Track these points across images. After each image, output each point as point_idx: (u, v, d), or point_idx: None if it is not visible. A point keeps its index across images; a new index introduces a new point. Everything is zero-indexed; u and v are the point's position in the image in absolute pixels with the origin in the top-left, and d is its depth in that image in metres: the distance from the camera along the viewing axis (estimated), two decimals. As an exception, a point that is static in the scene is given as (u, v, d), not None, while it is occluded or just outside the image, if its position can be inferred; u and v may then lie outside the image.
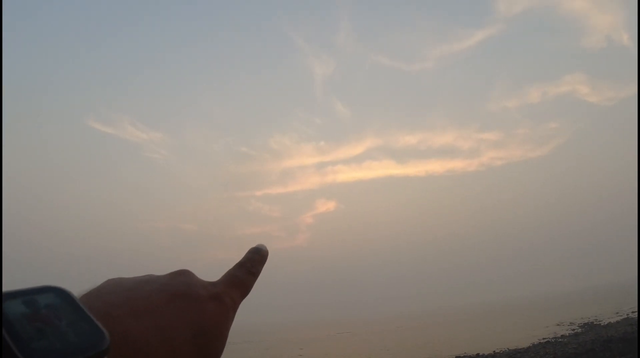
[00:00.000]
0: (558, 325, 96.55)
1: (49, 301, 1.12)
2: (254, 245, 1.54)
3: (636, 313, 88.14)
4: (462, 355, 62.23)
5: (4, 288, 1.06)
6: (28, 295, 1.11)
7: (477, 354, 61.49)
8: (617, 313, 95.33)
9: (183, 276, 1.32)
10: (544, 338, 71.60)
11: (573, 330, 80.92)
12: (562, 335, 73.07)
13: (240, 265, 1.48)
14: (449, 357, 61.08)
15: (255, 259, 1.50)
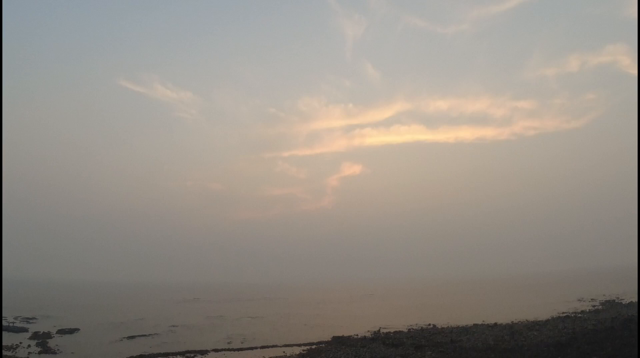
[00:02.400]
0: (579, 300, 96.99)
1: None
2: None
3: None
4: (480, 323, 63.96)
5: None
6: None
7: (495, 323, 63.04)
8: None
9: None
10: (563, 313, 72.46)
11: (594, 306, 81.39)
12: (582, 311, 73.73)
13: None
14: (468, 325, 62.84)
15: None
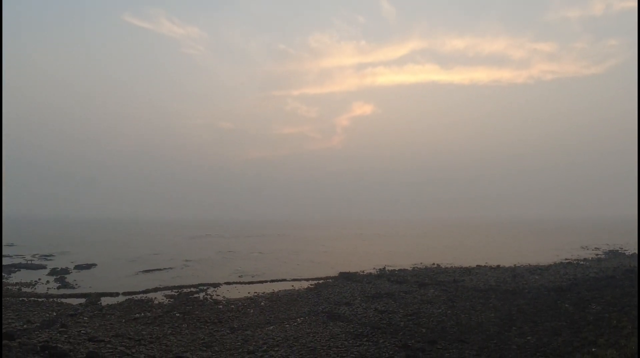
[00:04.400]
0: (583, 248, 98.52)
1: None
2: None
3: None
4: (483, 265, 65.63)
5: None
6: None
7: (498, 265, 64.68)
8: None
9: None
10: (566, 259, 73.87)
11: (597, 255, 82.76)
12: (584, 259, 75.10)
13: None
14: (471, 266, 64.56)
15: None
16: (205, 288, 48.26)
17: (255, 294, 44.12)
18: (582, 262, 69.95)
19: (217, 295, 43.47)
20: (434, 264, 68.60)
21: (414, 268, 64.39)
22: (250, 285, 50.94)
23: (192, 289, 47.25)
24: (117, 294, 43.81)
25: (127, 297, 42.06)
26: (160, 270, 63.95)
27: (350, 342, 27.64)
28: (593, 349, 24.95)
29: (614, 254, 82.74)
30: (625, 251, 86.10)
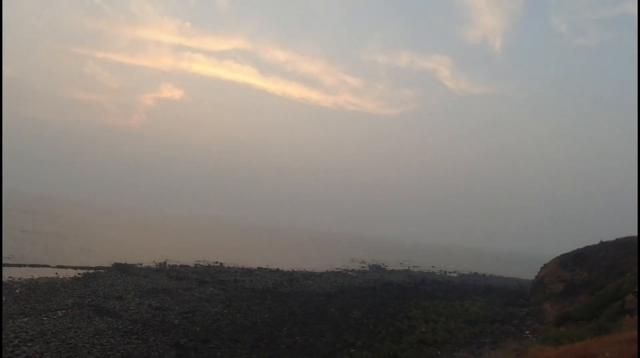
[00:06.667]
0: (352, 260, 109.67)
1: None
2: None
3: (416, 268, 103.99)
4: (264, 267, 67.88)
5: None
6: None
7: (278, 269, 67.60)
8: (402, 263, 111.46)
9: None
10: (337, 268, 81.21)
11: (362, 267, 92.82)
12: (352, 270, 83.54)
13: None
14: (253, 267, 66.17)
15: None
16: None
17: (10, 279, 37.79)
18: (350, 272, 77.54)
19: (-44, 277, 35.94)
20: (217, 262, 68.44)
21: (196, 264, 63.26)
22: (5, 268, 43.48)
23: None
24: None
25: None
26: None
27: (118, 339, 25.45)
28: (352, 350, 27.54)
29: (376, 268, 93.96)
30: (385, 267, 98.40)
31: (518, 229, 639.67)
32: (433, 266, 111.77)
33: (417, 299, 47.87)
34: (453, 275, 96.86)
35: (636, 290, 23.04)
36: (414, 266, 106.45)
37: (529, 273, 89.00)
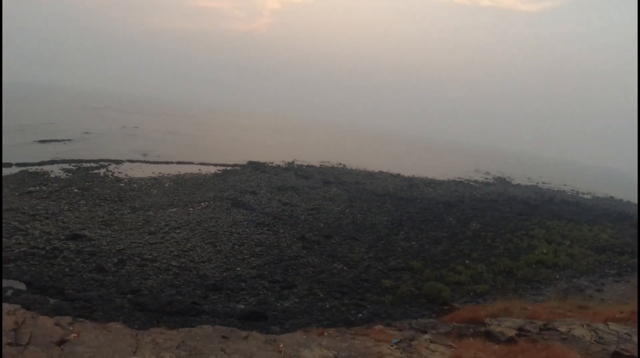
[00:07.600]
0: (476, 170, 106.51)
1: None
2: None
3: (545, 184, 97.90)
4: (385, 171, 69.23)
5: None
6: None
7: (399, 174, 68.58)
8: (529, 178, 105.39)
9: None
10: (459, 178, 79.94)
11: (486, 179, 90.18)
12: (475, 180, 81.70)
13: None
14: (374, 171, 67.81)
15: None
16: (106, 164, 45.84)
17: (160, 175, 43.40)
18: (472, 183, 75.91)
19: (119, 173, 41.86)
20: (340, 164, 71.15)
21: (321, 165, 66.51)
22: (155, 164, 49.69)
23: (92, 164, 44.76)
24: (10, 165, 39.26)
25: (21, 169, 38.39)
26: (57, 141, 58.24)
27: (252, 229, 28.76)
28: (467, 261, 28.13)
29: (501, 181, 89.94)
30: (511, 181, 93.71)
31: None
32: (565, 185, 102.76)
33: (541, 218, 45.48)
34: (586, 196, 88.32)
35: None
36: (543, 183, 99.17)
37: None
